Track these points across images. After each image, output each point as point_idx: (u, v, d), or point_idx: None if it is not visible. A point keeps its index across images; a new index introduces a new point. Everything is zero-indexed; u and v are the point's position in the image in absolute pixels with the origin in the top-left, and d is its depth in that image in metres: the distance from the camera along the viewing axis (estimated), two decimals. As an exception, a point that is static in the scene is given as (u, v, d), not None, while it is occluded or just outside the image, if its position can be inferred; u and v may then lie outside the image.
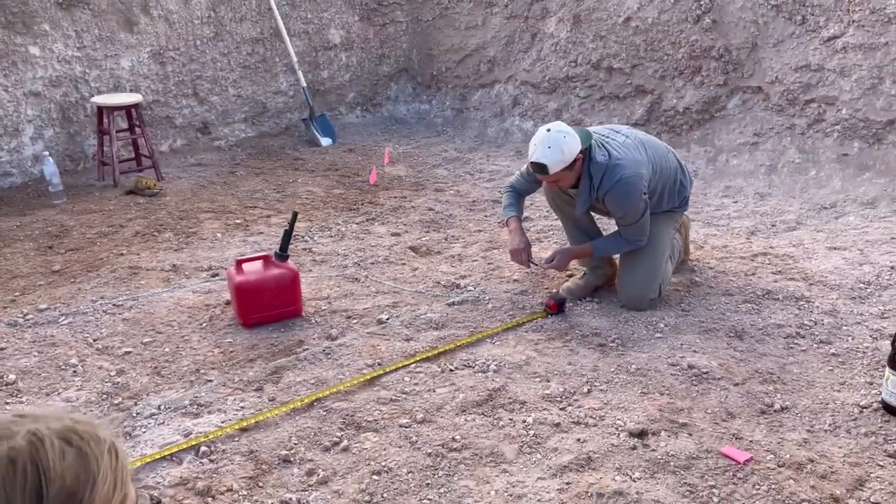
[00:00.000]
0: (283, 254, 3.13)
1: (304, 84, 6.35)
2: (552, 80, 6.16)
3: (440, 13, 7.02)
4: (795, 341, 2.85)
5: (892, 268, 3.42)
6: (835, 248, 3.71)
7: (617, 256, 3.31)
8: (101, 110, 5.10)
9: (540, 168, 2.90)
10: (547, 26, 6.27)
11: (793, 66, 4.99)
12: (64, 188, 4.86)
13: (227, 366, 2.80)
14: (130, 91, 5.55)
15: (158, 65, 5.75)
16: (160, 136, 5.81)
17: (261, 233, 4.22)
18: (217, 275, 3.60)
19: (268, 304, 3.05)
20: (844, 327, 2.94)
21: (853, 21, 4.76)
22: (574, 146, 2.87)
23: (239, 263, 3.07)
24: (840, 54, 4.79)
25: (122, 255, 3.89)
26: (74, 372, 2.76)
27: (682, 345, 2.84)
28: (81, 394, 2.62)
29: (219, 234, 4.19)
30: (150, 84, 5.72)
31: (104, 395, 2.61)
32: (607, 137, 3.03)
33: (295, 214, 3.17)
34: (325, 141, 6.30)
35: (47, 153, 4.87)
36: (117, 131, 5.14)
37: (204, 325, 3.12)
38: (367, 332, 3.03)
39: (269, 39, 6.38)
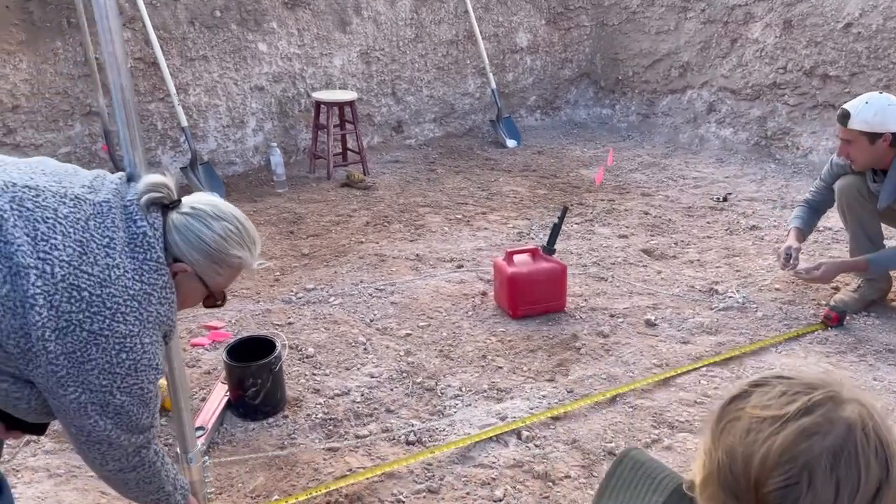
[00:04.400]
0: (550, 248, 3.15)
1: (494, 86, 6.42)
2: (756, 86, 5.93)
3: (627, 18, 6.93)
4: None
5: None
6: None
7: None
8: (318, 105, 5.34)
9: (842, 114, 2.78)
10: (751, 32, 6.05)
11: None
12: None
13: (510, 354, 2.83)
14: (339, 88, 5.79)
15: (364, 64, 5.97)
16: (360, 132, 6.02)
17: (485, 228, 4.27)
18: (462, 266, 3.67)
19: (537, 297, 3.07)
20: None
21: None
22: (889, 120, 2.71)
23: (510, 255, 3.11)
24: None
25: (361, 242, 4.04)
26: (365, 349, 2.87)
27: None
28: (381, 370, 2.72)
29: (445, 228, 4.28)
30: (356, 82, 5.95)
31: (404, 374, 2.70)
32: None
33: (565, 209, 3.19)
34: (511, 142, 6.34)
35: (275, 144, 5.15)
36: (323, 126, 5.36)
37: (469, 313, 3.18)
38: (638, 332, 2.99)
39: (462, 42, 6.50)
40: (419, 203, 4.77)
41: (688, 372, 2.67)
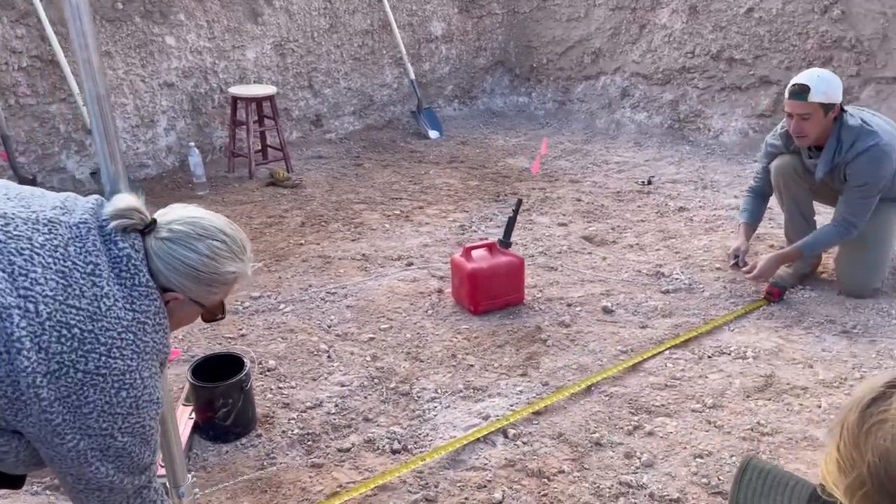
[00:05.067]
0: (507, 241, 3.14)
1: (413, 76, 6.35)
2: (666, 71, 6.15)
3: (538, 5, 7.01)
4: None
5: None
6: None
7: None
8: (235, 101, 5.10)
9: (800, 89, 2.85)
10: (658, 18, 6.26)
11: (930, 56, 4.99)
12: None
13: (478, 351, 2.81)
14: (254, 82, 5.55)
15: (279, 56, 5.75)
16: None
17: (427, 223, 4.22)
18: (412, 264, 3.61)
19: (497, 292, 3.05)
20: None
21: None
22: (838, 92, 2.86)
23: (468, 251, 3.08)
24: (983, 45, 4.78)
25: (301, 245, 3.89)
26: (329, 357, 2.77)
27: (927, 331, 2.85)
28: (350, 378, 2.63)
29: (386, 225, 4.19)
30: (271, 76, 5.72)
31: (375, 380, 2.62)
32: (860, 111, 3.02)
33: (519, 202, 3.18)
34: (434, 133, 6.30)
35: (193, 144, 4.88)
36: (241, 123, 5.13)
37: (429, 312, 3.12)
38: (598, 320, 3.04)
39: (378, 32, 6.38)
40: (353, 200, 4.65)
41: (653, 356, 2.73)
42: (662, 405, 2.44)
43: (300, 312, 3.12)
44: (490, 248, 3.13)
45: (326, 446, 2.28)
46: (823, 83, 2.83)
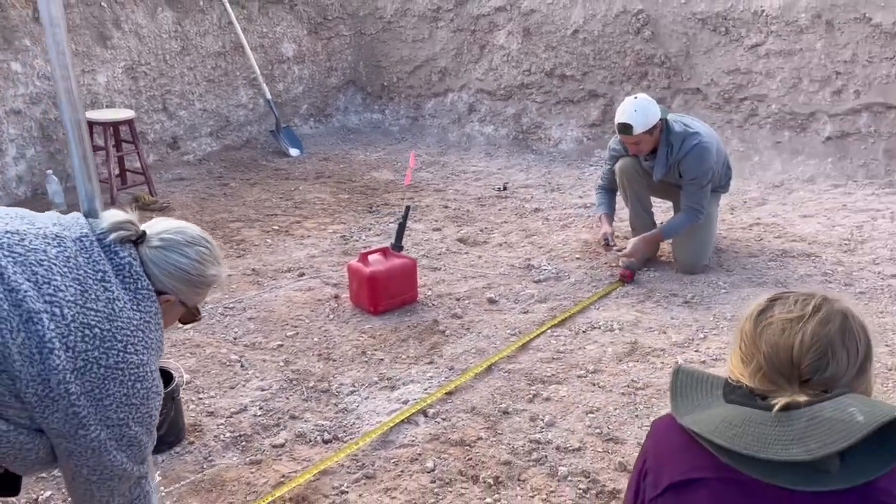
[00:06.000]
0: (399, 245, 3.41)
1: (269, 96, 6.45)
2: (507, 87, 6.73)
3: (383, 27, 7.36)
4: (828, 286, 3.58)
5: (857, 227, 4.30)
6: (806, 216, 4.56)
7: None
8: (91, 126, 4.96)
9: (625, 128, 3.42)
10: (496, 39, 6.83)
11: (724, 70, 5.91)
12: (68, 207, 4.69)
13: (385, 346, 3.05)
14: (107, 106, 5.41)
15: (131, 80, 5.64)
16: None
17: (308, 236, 4.38)
18: (303, 274, 3.77)
19: (395, 291, 3.31)
20: (854, 273, 3.72)
21: (771, 32, 5.74)
22: (656, 113, 3.44)
23: (364, 256, 3.31)
24: (763, 59, 5.75)
25: (185, 265, 3.91)
26: (242, 366, 2.89)
27: (748, 296, 3.47)
28: (270, 382, 2.77)
29: (268, 240, 4.30)
30: (123, 99, 5.60)
31: (293, 382, 2.78)
32: (680, 116, 3.62)
33: (408, 208, 3.47)
34: (294, 151, 6.44)
35: (50, 171, 4.69)
36: (99, 149, 5.00)
37: (331, 316, 3.31)
38: (486, 310, 3.39)
39: (230, 53, 6.41)
40: (227, 219, 4.70)
41: (537, 336, 3.11)
42: (553, 375, 2.82)
43: (202, 328, 3.19)
44: (384, 252, 3.38)
45: (260, 445, 2.42)
46: (641, 116, 3.41)
